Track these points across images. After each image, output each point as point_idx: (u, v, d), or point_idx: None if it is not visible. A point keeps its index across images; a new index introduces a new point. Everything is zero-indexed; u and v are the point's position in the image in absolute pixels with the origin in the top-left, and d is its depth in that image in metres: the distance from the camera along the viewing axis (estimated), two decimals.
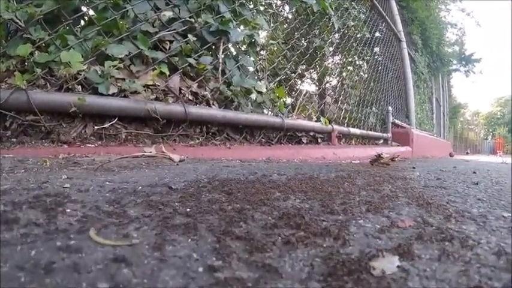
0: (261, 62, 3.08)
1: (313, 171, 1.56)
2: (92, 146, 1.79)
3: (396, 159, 2.52)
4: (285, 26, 4.19)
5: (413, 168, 2.16)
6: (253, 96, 2.54)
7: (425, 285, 0.43)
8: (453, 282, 0.44)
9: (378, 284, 0.42)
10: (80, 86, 1.90)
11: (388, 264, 0.47)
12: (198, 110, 2.14)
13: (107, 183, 0.92)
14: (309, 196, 0.93)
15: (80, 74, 1.88)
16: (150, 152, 1.52)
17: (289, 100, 3.66)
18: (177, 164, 1.45)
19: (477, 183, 1.44)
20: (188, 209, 0.71)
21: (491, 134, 36.61)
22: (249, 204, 0.78)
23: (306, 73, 4.98)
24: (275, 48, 4.07)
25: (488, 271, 0.47)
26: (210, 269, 0.44)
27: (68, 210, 0.64)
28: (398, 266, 0.47)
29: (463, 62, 15.60)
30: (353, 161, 2.76)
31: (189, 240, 0.53)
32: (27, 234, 0.50)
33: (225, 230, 0.59)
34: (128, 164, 1.33)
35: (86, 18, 2.36)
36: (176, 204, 0.74)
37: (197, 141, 2.16)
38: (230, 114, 2.32)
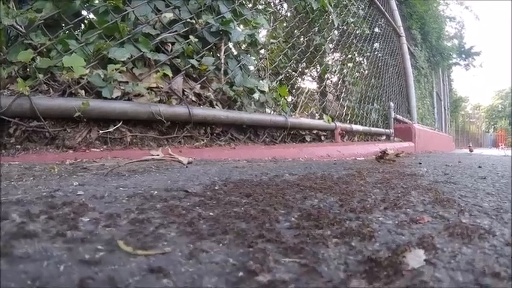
0: (262, 61, 3.07)
1: (323, 170, 1.56)
2: (98, 150, 1.78)
3: (401, 155, 2.52)
4: (284, 25, 4.17)
5: (420, 163, 2.16)
6: (256, 95, 2.53)
7: (452, 275, 0.44)
8: (476, 271, 0.45)
9: (412, 277, 0.43)
10: (83, 91, 1.89)
11: (416, 258, 0.48)
12: (202, 111, 2.13)
13: (121, 188, 0.91)
14: (326, 195, 0.92)
15: (83, 79, 1.88)
16: (158, 155, 1.51)
17: (291, 99, 3.65)
18: (186, 167, 1.44)
19: (484, 178, 1.44)
20: (211, 213, 0.70)
21: (492, 127, 36.57)
22: (269, 205, 0.78)
23: (307, 71, 4.97)
24: (276, 47, 4.05)
25: (506, 260, 0.48)
26: (250, 273, 0.43)
27: (88, 219, 0.62)
28: (425, 260, 0.48)
29: (463, 56, 15.56)
30: (358, 158, 2.75)
31: (221, 245, 0.52)
32: (50, 248, 0.48)
33: (253, 232, 0.58)
34: (137, 168, 1.32)
35: (87, 22, 2.35)
36: (197, 208, 0.74)
37: (202, 142, 2.15)
38: (234, 115, 2.31)
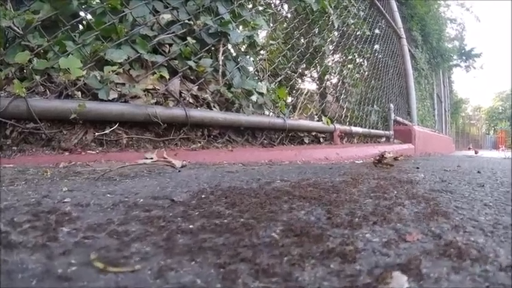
0: (261, 62, 3.06)
1: (317, 175, 1.54)
2: (93, 152, 1.78)
3: (400, 158, 2.51)
4: (284, 26, 4.16)
5: (417, 168, 2.15)
6: (254, 97, 2.52)
7: None
8: None
9: None
10: (79, 92, 1.89)
11: (397, 285, 0.46)
12: (199, 113, 2.13)
13: (108, 195, 0.90)
14: (314, 206, 0.90)
15: (80, 80, 1.87)
16: (152, 159, 1.51)
17: (290, 100, 3.65)
18: (179, 171, 1.43)
19: (483, 186, 1.42)
20: (191, 226, 0.69)
21: (493, 128, 36.56)
22: (252, 218, 0.76)
23: (306, 72, 4.95)
24: (275, 48, 4.04)
25: None
26: None
27: (68, 230, 0.62)
28: None
29: (464, 57, 15.54)
30: (356, 161, 2.74)
31: (193, 263, 0.51)
32: (27, 260, 0.48)
33: (229, 250, 0.57)
34: (130, 172, 1.32)
35: (85, 23, 2.35)
36: (179, 219, 0.72)
37: (199, 144, 2.14)
38: (231, 117, 2.30)
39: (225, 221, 0.73)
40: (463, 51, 15.29)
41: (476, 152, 9.62)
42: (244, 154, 2.15)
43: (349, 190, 1.15)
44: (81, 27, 2.37)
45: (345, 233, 0.68)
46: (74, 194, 0.89)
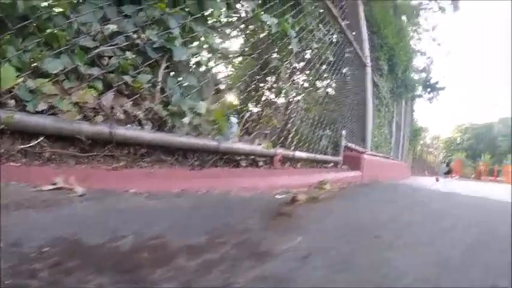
0: (207, 80, 3.09)
1: (188, 228, 1.42)
2: (15, 165, 1.77)
3: (321, 196, 2.61)
4: (241, 44, 4.23)
5: (331, 213, 2.22)
6: (187, 119, 2.55)
7: None
8: None
9: None
10: (13, 101, 1.88)
11: None
12: (124, 131, 2.15)
13: None
14: None
15: (14, 88, 1.86)
16: (56, 184, 1.53)
17: (234, 120, 3.70)
18: (80, 198, 1.46)
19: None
20: None
21: (449, 157, 38.28)
22: None
23: (257, 93, 5.04)
24: (225, 68, 4.10)
25: None
26: None
27: None
28: None
29: (428, 89, 16.17)
30: (291, 190, 2.76)
31: None
32: None
33: None
34: (24, 202, 1.33)
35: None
36: None
37: (122, 163, 2.17)
38: (159, 137, 2.33)
39: None
40: (428, 83, 15.92)
41: (437, 180, 9.99)
42: (160, 179, 2.17)
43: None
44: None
45: None
46: None
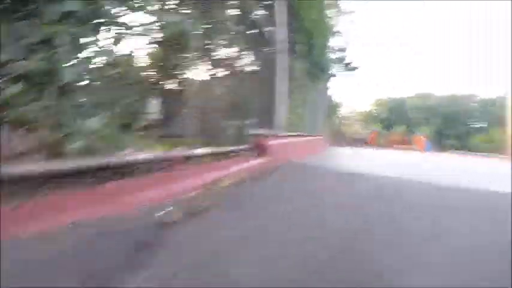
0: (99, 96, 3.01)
1: None
2: None
3: (201, 206, 2.70)
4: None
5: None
6: (77, 143, 2.48)
7: None
8: None
9: None
10: None
11: None
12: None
13: None
14: None
15: None
16: None
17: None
18: None
19: None
20: None
21: (366, 129, 41.00)
22: None
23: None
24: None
25: None
26: None
27: None
28: None
29: (344, 68, 17.01)
30: (178, 200, 2.77)
31: None
32: None
33: None
34: None
35: None
36: None
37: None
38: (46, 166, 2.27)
39: None
40: (343, 62, 16.71)
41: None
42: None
43: None
44: None
45: None
46: None
